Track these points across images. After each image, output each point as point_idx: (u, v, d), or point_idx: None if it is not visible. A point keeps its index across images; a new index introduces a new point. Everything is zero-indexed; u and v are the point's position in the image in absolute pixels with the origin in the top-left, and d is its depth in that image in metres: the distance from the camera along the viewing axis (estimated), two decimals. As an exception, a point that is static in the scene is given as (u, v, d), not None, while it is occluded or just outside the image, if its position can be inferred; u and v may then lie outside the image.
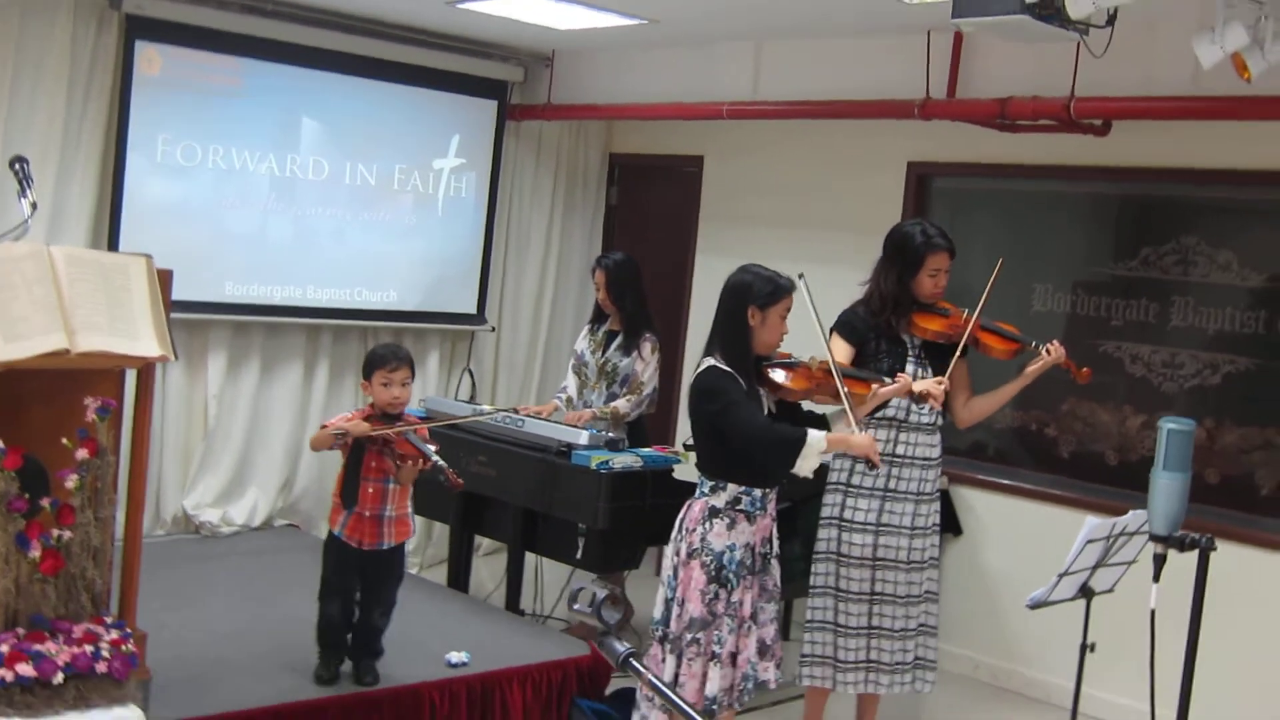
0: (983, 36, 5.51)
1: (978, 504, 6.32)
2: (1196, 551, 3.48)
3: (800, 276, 4.40)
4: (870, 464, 4.33)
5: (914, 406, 4.82)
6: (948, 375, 4.80)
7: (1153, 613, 3.65)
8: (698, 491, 4.39)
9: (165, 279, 4.09)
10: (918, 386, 4.70)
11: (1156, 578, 3.58)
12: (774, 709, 5.46)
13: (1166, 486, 3.56)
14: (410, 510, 4.70)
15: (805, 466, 4.20)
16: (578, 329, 7.78)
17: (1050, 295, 6.17)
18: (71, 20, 6.10)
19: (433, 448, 4.50)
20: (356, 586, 4.65)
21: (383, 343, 5.10)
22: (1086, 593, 3.88)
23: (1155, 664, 3.73)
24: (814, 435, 4.17)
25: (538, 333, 8.03)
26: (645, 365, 6.07)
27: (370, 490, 4.55)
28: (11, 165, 4.38)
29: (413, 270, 7.42)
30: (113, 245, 6.28)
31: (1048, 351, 4.83)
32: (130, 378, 4.13)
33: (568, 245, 8.09)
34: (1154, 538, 3.57)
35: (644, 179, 8.22)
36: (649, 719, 4.41)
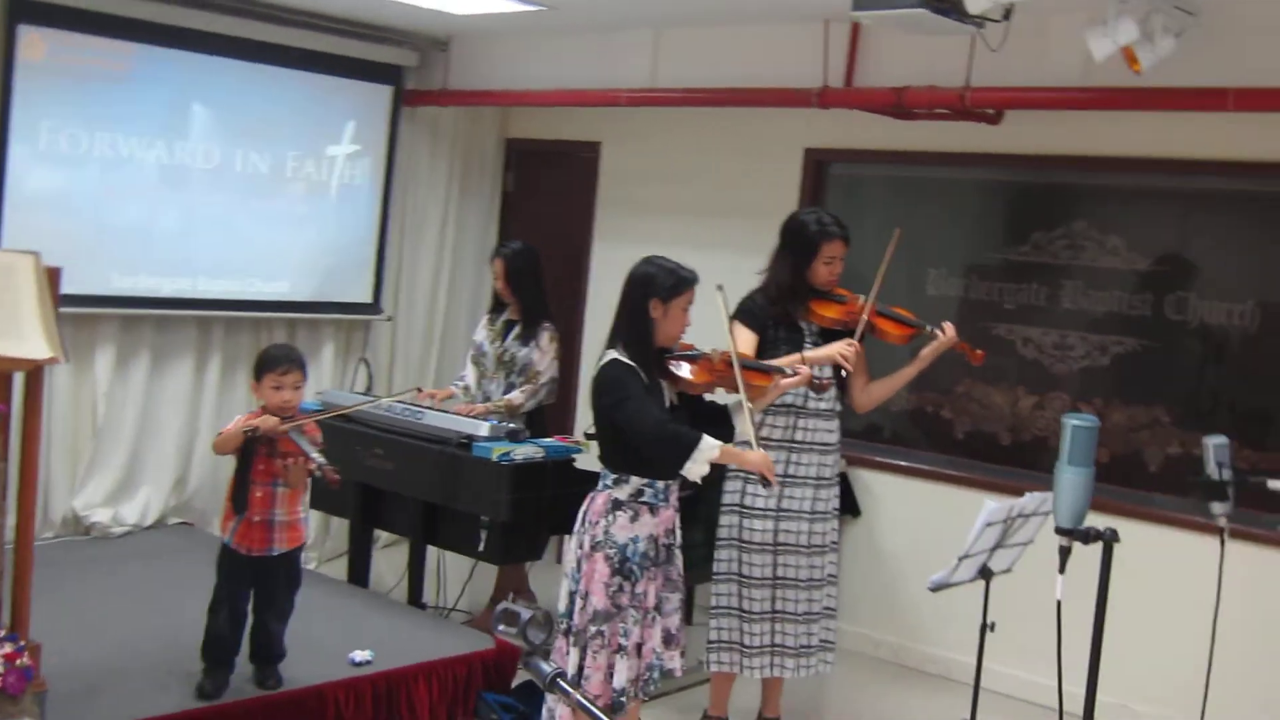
0: (881, 27, 5.55)
1: (875, 485, 6.41)
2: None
3: (720, 288, 4.40)
4: (764, 482, 4.33)
5: (812, 395, 4.86)
6: (857, 337, 4.84)
7: (1059, 603, 3.71)
8: (600, 484, 4.38)
9: (53, 277, 3.99)
10: (833, 348, 4.78)
11: (1062, 569, 3.65)
12: (680, 694, 5.48)
13: (1071, 481, 3.63)
14: (303, 515, 4.61)
15: (694, 471, 4.16)
16: (474, 317, 7.73)
17: (944, 279, 6.26)
18: (-52, 5, 5.91)
19: (312, 445, 4.38)
20: (249, 595, 4.56)
21: (276, 343, 4.97)
22: (985, 574, 3.96)
23: (1062, 652, 3.80)
24: (707, 442, 4.15)
25: (434, 321, 7.95)
26: (543, 355, 6.04)
27: (259, 495, 4.45)
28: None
29: (306, 260, 7.30)
30: (-6, 237, 6.12)
31: (942, 332, 4.90)
32: (18, 380, 4.02)
33: (464, 232, 8.02)
34: (1059, 531, 3.65)
35: (540, 165, 8.17)
36: (555, 711, 4.41)
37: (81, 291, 6.17)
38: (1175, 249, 5.66)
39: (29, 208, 6.21)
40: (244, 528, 4.47)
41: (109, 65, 6.40)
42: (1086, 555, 3.74)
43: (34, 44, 6.12)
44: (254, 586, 4.55)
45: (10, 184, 6.15)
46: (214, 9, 6.68)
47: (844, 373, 4.89)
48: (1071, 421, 3.67)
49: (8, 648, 3.77)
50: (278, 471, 4.44)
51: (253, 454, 4.42)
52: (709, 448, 4.13)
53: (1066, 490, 3.64)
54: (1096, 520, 3.84)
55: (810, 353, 4.84)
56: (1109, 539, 3.58)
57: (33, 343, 3.81)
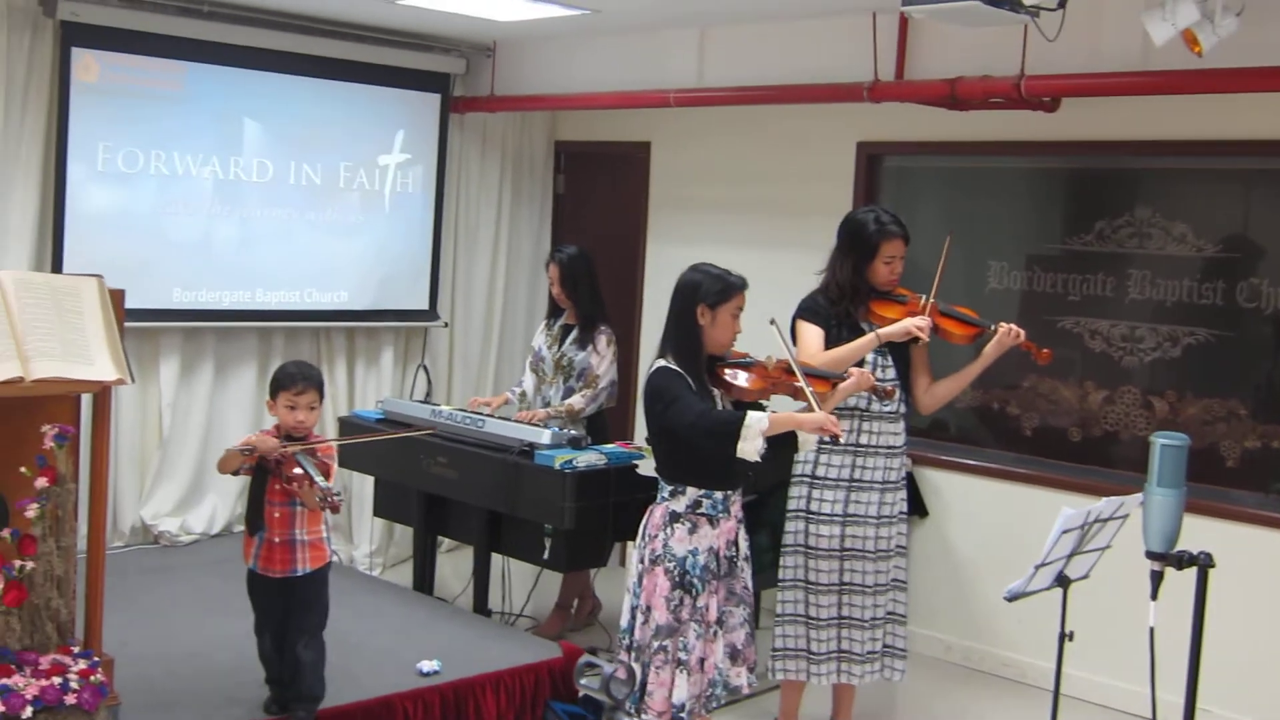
0: (932, 21, 5.47)
1: (942, 485, 6.32)
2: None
3: (772, 322, 4.37)
4: (833, 439, 4.26)
5: (876, 400, 4.79)
6: (925, 311, 4.79)
7: (1151, 630, 3.62)
8: (658, 496, 4.34)
9: (118, 299, 4.05)
10: (905, 321, 4.74)
11: (1154, 595, 3.55)
12: (749, 702, 5.43)
13: (1161, 503, 3.52)
14: (325, 534, 4.48)
15: (749, 449, 4.06)
16: (530, 320, 7.74)
17: (1005, 272, 6.18)
18: (5, 30, 5.97)
19: (319, 470, 4.27)
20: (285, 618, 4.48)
21: (294, 360, 4.81)
22: (1063, 581, 3.87)
23: (1156, 681, 3.72)
24: (754, 415, 4.08)
25: (491, 326, 7.96)
26: (601, 359, 6.02)
27: (277, 515, 4.35)
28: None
29: (363, 268, 7.32)
30: (57, 257, 6.19)
31: (1008, 333, 4.82)
32: (86, 400, 4.07)
33: (517, 236, 8.02)
34: (1150, 555, 3.55)
35: (591, 166, 8.16)
36: (624, 721, 4.38)
37: (144, 306, 6.26)
38: (1244, 233, 5.53)
39: (90, 227, 6.30)
40: (266, 550, 4.38)
41: (161, 84, 6.47)
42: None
43: (88, 66, 6.19)
44: (284, 610, 4.45)
45: (70, 204, 6.23)
46: (262, 25, 6.74)
47: (917, 341, 4.84)
48: (1160, 441, 3.55)
49: (82, 664, 3.81)
50: (294, 491, 4.31)
51: (267, 475, 4.33)
52: (757, 420, 4.06)
53: (1156, 512, 3.51)
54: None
55: (884, 329, 4.79)
56: (1204, 564, 3.47)
57: (100, 365, 3.87)
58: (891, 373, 4.89)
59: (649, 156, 7.61)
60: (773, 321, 4.37)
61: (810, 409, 4.23)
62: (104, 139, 6.30)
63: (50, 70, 6.16)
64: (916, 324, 4.75)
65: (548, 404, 6.06)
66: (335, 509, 4.22)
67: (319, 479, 4.20)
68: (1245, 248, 5.52)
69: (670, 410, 4.16)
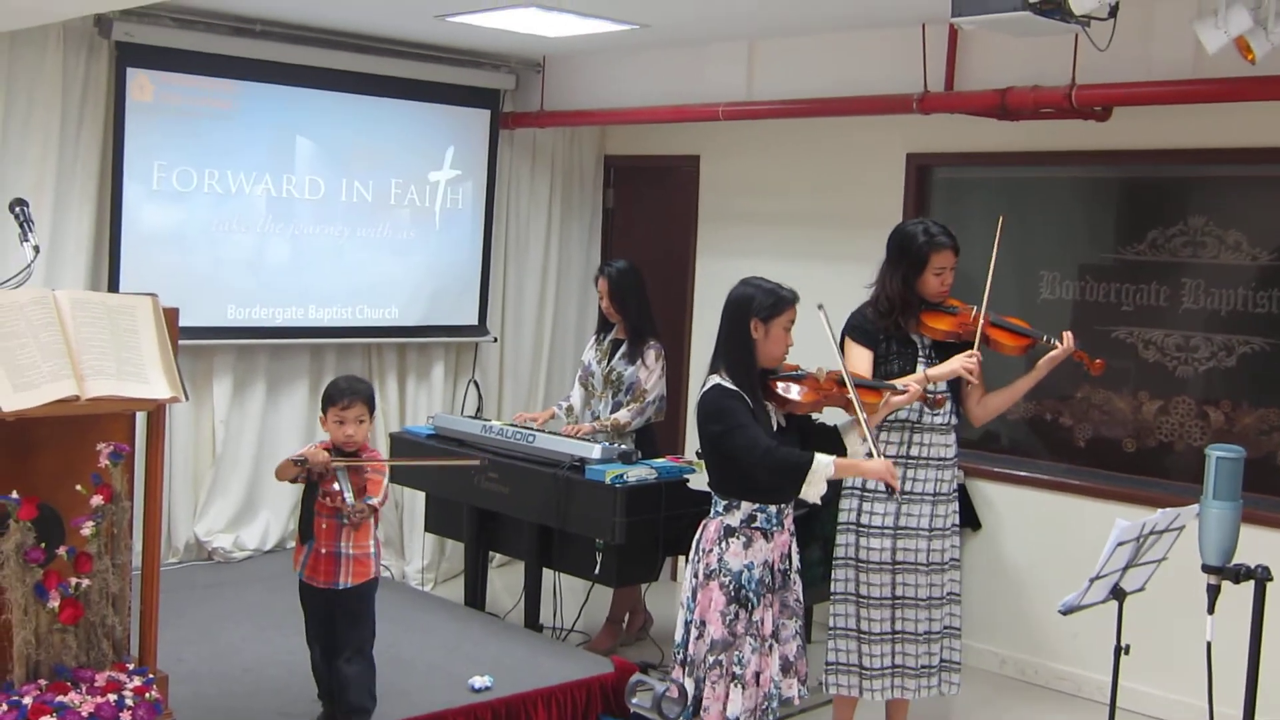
0: (982, 31, 5.45)
1: (995, 497, 6.27)
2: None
3: (820, 308, 4.35)
4: (889, 490, 4.27)
5: (927, 410, 4.77)
6: (975, 346, 4.76)
7: (1209, 645, 3.58)
8: (712, 511, 4.33)
9: (172, 317, 4.08)
10: (955, 363, 4.72)
11: (1211, 609, 3.51)
12: (802, 716, 5.41)
13: (1218, 516, 3.48)
14: (372, 550, 4.49)
15: (812, 492, 4.11)
16: (580, 335, 7.76)
17: (1058, 283, 6.12)
18: (61, 50, 6.06)
19: (351, 484, 4.30)
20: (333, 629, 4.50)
21: (344, 375, 4.82)
22: (1118, 594, 3.82)
23: (1213, 695, 3.68)
24: (821, 460, 4.10)
25: (541, 341, 7.98)
26: (649, 373, 6.03)
27: (324, 526, 4.41)
28: (12, 209, 4.34)
29: (413, 284, 7.37)
30: (114, 275, 6.27)
31: (1060, 342, 4.79)
32: (140, 418, 4.11)
33: (567, 251, 8.04)
34: (1207, 569, 3.51)
35: (640, 181, 8.16)
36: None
37: (198, 324, 6.31)
38: (1300, 242, 5.48)
39: (145, 245, 6.38)
40: (313, 560, 4.45)
41: (214, 103, 6.54)
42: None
43: (142, 86, 6.27)
44: (330, 621, 4.49)
45: (126, 223, 6.31)
46: (313, 44, 6.79)
47: (966, 385, 4.81)
48: (1216, 453, 3.50)
49: (137, 681, 3.83)
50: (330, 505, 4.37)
51: (316, 484, 4.40)
52: (824, 466, 4.09)
53: (1213, 526, 3.47)
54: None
55: (934, 369, 4.77)
56: (1262, 577, 3.42)
57: (154, 383, 3.90)
58: (944, 384, 4.86)
59: (698, 170, 7.61)
60: (820, 307, 4.33)
61: (865, 431, 4.23)
62: (158, 158, 6.38)
63: (105, 90, 6.25)
64: (965, 365, 4.72)
65: (596, 418, 6.07)
66: (355, 526, 4.30)
67: (349, 496, 4.26)
68: (1301, 256, 5.46)
69: (733, 437, 4.14)
